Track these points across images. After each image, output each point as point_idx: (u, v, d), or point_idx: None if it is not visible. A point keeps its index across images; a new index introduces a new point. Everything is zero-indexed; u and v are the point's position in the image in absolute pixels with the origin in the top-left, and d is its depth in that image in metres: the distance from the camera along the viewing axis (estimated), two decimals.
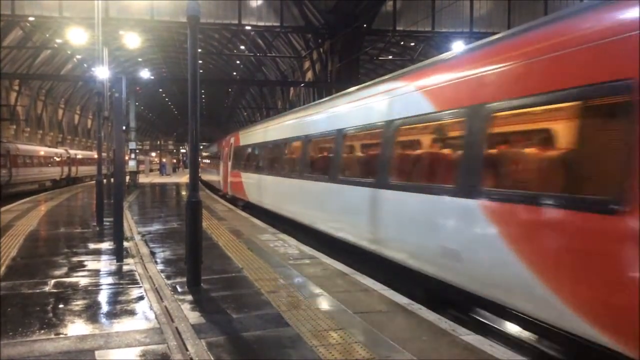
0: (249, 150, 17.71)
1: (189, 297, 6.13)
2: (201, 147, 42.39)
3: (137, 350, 4.46)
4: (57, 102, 52.53)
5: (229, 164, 21.10)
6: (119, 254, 8.30)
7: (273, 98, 53.48)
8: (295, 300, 5.94)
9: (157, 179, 45.54)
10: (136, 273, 7.40)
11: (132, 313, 5.54)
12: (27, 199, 21.48)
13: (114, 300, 6.08)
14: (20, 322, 5.16)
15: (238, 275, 7.27)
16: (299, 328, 4.96)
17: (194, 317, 5.36)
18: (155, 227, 12.63)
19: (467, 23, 27.63)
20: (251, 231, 11.59)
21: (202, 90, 53.33)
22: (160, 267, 7.89)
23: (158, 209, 17.81)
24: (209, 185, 31.50)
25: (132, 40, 27.24)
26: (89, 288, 6.60)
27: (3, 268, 7.67)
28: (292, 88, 42.53)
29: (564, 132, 4.41)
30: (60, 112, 53.82)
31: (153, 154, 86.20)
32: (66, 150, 42.86)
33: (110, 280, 7.08)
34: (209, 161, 35.07)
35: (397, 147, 7.08)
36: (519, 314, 4.74)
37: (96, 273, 7.48)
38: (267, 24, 27.72)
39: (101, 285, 6.82)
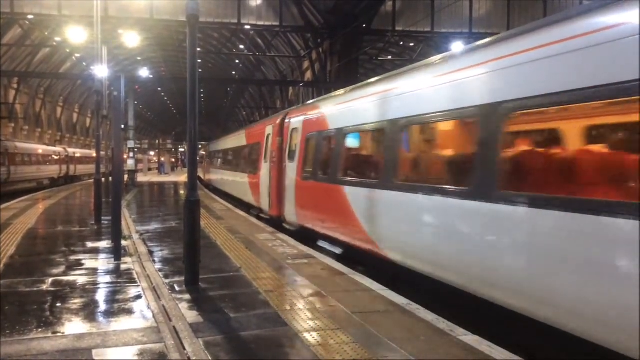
0: (381, 140, 7.72)
1: (187, 296, 6.12)
2: (200, 146, 41.02)
3: (135, 349, 4.45)
4: (56, 100, 52.47)
5: (291, 166, 11.53)
6: (117, 252, 8.28)
7: (272, 98, 53.52)
8: (293, 300, 5.94)
9: (155, 178, 45.53)
10: (134, 272, 7.39)
11: (129, 312, 5.53)
12: (25, 197, 21.45)
13: (111, 299, 6.06)
14: (18, 320, 5.15)
15: (236, 275, 7.27)
16: (296, 327, 4.96)
17: (192, 316, 5.35)
18: (154, 226, 12.62)
19: (467, 23, 27.66)
20: (249, 230, 11.58)
21: (201, 89, 53.35)
22: (158, 266, 7.88)
23: (156, 207, 17.79)
24: (222, 192, 24.39)
25: (132, 39, 27.36)
26: (87, 287, 6.58)
27: (1, 266, 7.65)
28: (291, 88, 42.54)
29: None
30: (59, 110, 53.77)
31: (152, 153, 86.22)
32: (64, 148, 42.85)
33: (108, 279, 7.07)
34: (225, 159, 25.05)
35: None
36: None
37: (94, 272, 7.46)
38: (267, 23, 27.72)
39: (99, 283, 6.80)
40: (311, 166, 10.32)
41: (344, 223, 8.46)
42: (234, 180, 20.31)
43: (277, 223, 12.50)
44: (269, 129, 14.17)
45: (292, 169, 11.48)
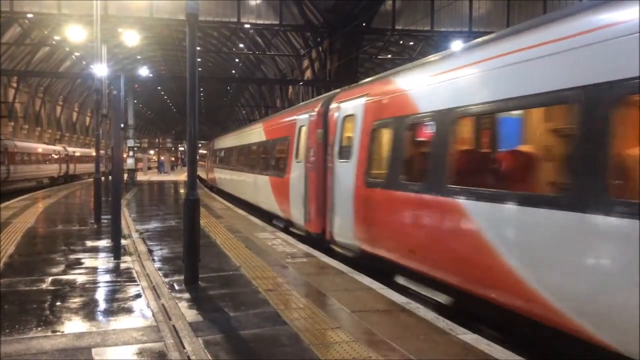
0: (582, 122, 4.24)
1: (187, 295, 6.12)
2: (200, 145, 39.47)
3: (134, 348, 4.45)
4: (56, 99, 52.43)
5: (344, 167, 8.65)
6: (117, 251, 8.28)
7: (272, 96, 53.49)
8: (293, 299, 5.94)
9: (155, 177, 45.51)
10: (133, 271, 7.39)
11: (129, 311, 5.53)
12: (25, 196, 21.44)
13: (111, 297, 6.07)
14: (18, 319, 5.15)
15: (236, 274, 7.26)
16: (296, 326, 4.96)
17: (191, 315, 5.35)
18: (153, 224, 12.61)
19: (466, 22, 27.68)
20: (249, 229, 11.58)
21: (201, 88, 53.32)
22: (157, 264, 7.88)
23: (156, 206, 17.78)
24: (228, 195, 21.74)
25: (131, 38, 27.36)
26: (86, 286, 6.58)
27: (1, 265, 7.65)
28: (290, 87, 42.53)
29: None
30: (59, 109, 53.74)
31: (151, 152, 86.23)
32: (64, 147, 42.83)
33: (107, 277, 7.07)
34: (235, 158, 20.96)
35: None
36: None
37: (93, 270, 7.46)
38: (266, 22, 27.73)
39: (98, 282, 6.80)
40: (384, 168, 7.26)
41: (464, 258, 5.42)
42: (248, 183, 17.00)
43: (317, 242, 9.55)
44: (302, 120, 11.25)
45: (346, 172, 8.42)
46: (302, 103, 12.45)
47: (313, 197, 9.86)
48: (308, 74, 34.76)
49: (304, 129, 11.04)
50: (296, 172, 11.20)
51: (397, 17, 27.59)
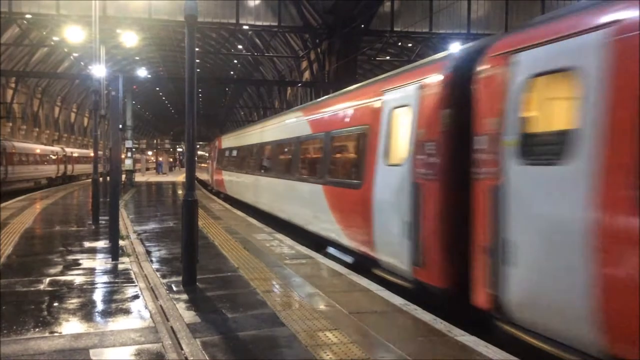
0: None
1: (184, 296, 6.12)
2: (198, 145, 38.14)
3: (132, 349, 4.45)
4: (54, 100, 52.37)
5: (565, 174, 4.06)
6: (115, 252, 8.28)
7: (270, 98, 53.54)
8: (291, 300, 5.94)
9: (153, 177, 45.46)
10: (131, 272, 7.39)
11: (127, 312, 5.52)
12: (23, 196, 21.41)
13: (109, 298, 6.06)
14: (15, 320, 5.14)
15: (234, 275, 7.26)
16: (294, 328, 4.96)
17: (189, 316, 5.35)
18: (151, 225, 12.60)
19: (465, 24, 27.71)
20: (247, 230, 11.57)
21: (199, 89, 53.32)
22: (155, 265, 7.87)
23: (154, 207, 17.77)
24: (242, 204, 17.78)
25: (130, 39, 27.32)
26: (84, 286, 6.58)
27: None
28: (289, 88, 42.55)
29: None
30: (57, 110, 53.68)
31: (149, 153, 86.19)
32: (62, 148, 42.77)
33: (105, 278, 7.06)
34: (257, 158, 15.98)
35: None
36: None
37: (91, 271, 7.46)
38: (265, 23, 27.72)
39: (96, 283, 6.80)
40: None
41: None
42: (281, 192, 12.75)
43: (440, 302, 5.86)
44: (398, 97, 7.10)
45: (555, 184, 4.23)
46: (381, 76, 8.72)
47: (434, 227, 5.96)
48: (307, 75, 34.77)
49: (402, 112, 7.03)
50: (387, 182, 7.12)
51: (396, 19, 27.63)
